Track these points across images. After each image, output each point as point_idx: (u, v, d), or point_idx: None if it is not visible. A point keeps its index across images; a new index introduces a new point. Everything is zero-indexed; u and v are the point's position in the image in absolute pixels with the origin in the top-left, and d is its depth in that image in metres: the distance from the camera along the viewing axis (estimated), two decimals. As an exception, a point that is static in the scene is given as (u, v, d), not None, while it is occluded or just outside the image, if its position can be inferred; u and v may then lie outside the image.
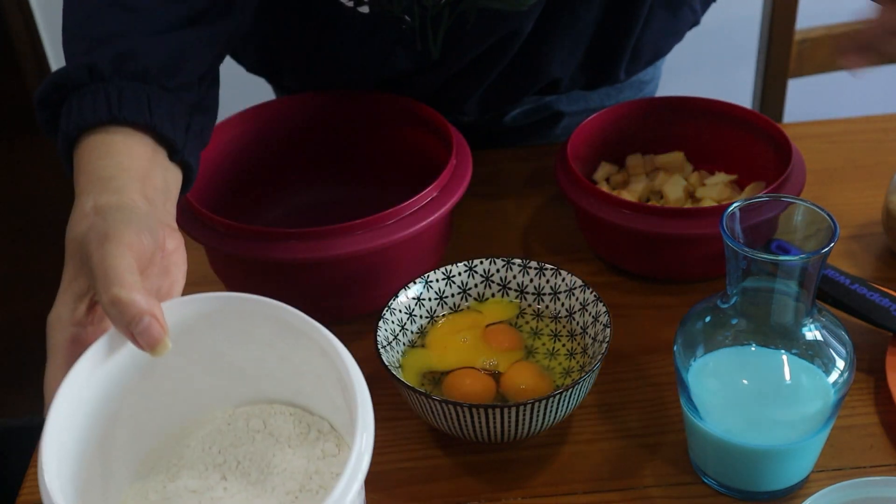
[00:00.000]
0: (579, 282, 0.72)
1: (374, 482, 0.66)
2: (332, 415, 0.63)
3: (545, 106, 1.01)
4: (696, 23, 0.98)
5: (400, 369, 0.70)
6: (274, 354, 0.62)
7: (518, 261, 0.75)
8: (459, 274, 0.75)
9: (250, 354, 0.62)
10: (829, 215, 0.58)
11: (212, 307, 0.59)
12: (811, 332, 0.61)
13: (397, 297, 0.72)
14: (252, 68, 0.99)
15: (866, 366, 0.74)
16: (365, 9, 0.84)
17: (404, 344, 0.72)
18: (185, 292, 0.85)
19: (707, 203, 0.84)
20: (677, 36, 0.97)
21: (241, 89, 1.19)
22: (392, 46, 0.87)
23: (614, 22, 0.91)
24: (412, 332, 0.73)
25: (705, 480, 0.67)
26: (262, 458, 0.61)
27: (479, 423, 0.64)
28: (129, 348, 0.56)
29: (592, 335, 0.71)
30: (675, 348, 0.64)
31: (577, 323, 0.72)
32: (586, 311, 0.72)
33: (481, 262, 0.75)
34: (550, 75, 0.93)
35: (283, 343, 0.60)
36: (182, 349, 0.57)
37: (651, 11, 0.92)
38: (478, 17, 0.84)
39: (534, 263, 0.74)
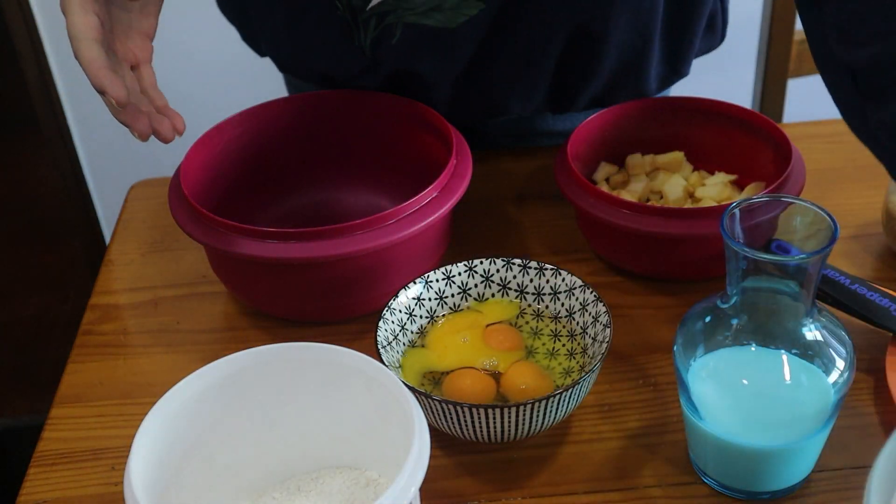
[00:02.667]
0: (579, 282, 0.72)
1: (374, 482, 0.66)
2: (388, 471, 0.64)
3: (526, 120, 1.01)
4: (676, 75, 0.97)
5: (400, 369, 0.70)
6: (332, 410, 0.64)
7: (518, 261, 0.75)
8: (459, 274, 0.75)
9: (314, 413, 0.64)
10: (829, 215, 0.58)
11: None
12: (811, 332, 0.61)
13: (397, 297, 0.72)
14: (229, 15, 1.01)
15: (866, 366, 0.73)
16: None
17: (404, 344, 0.72)
18: (184, 292, 0.86)
19: (707, 203, 0.84)
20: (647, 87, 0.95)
21: (242, 89, 1.19)
22: (326, 33, 0.87)
23: (574, 65, 0.90)
24: (412, 332, 0.73)
25: (705, 480, 0.67)
26: None
27: (479, 423, 0.64)
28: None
29: (592, 335, 0.70)
30: (675, 348, 0.64)
31: (577, 323, 0.72)
32: (586, 311, 0.72)
33: (481, 262, 0.75)
34: (509, 109, 0.93)
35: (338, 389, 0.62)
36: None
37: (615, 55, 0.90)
38: (405, 31, 0.84)
39: (534, 263, 0.74)
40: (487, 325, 0.74)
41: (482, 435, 0.66)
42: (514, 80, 0.90)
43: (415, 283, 0.73)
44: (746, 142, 0.87)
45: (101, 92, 0.68)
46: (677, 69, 0.95)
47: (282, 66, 0.98)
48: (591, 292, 0.71)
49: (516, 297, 0.75)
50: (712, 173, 0.89)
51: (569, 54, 0.88)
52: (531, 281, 0.75)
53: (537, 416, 0.64)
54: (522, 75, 0.89)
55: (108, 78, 0.68)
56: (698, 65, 0.99)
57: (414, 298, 0.73)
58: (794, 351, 0.61)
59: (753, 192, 0.85)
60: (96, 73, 0.68)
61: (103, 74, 0.68)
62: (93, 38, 0.69)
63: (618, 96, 0.93)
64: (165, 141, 0.73)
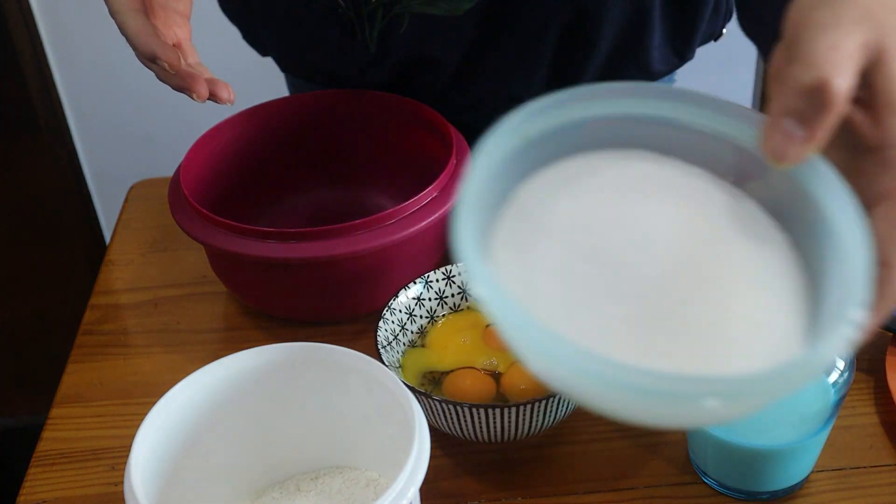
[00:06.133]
0: (579, 282, 0.72)
1: (374, 482, 0.66)
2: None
3: None
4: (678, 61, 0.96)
5: (400, 369, 0.70)
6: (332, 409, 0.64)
7: (518, 261, 0.75)
8: (459, 274, 0.75)
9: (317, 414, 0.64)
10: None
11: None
12: (811, 332, 0.61)
13: (397, 297, 0.72)
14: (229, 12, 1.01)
15: (866, 366, 0.74)
16: None
17: (404, 344, 0.72)
18: (184, 292, 0.86)
19: (707, 203, 0.84)
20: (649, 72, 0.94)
21: (242, 89, 1.19)
22: (329, 31, 0.87)
23: (572, 45, 0.89)
24: (412, 332, 0.73)
25: (705, 480, 0.67)
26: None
27: (479, 423, 0.64)
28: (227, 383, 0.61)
29: (592, 335, 0.70)
30: (675, 348, 0.63)
31: (577, 323, 0.72)
32: (586, 311, 0.71)
33: (481, 262, 0.75)
34: (512, 95, 0.93)
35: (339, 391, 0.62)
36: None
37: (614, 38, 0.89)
38: (413, 20, 0.84)
39: (534, 263, 0.74)
40: (487, 325, 0.74)
41: (482, 435, 0.66)
42: (515, 60, 0.89)
43: (415, 283, 0.73)
44: (746, 142, 0.86)
45: (152, 59, 0.68)
46: (681, 52, 0.94)
47: (285, 67, 0.98)
48: (591, 292, 0.71)
49: (516, 297, 0.75)
50: (712, 173, 0.89)
51: (567, 34, 0.88)
52: (531, 281, 0.75)
53: (537, 416, 0.64)
54: (524, 56, 0.89)
55: (157, 43, 0.68)
56: (698, 65, 0.99)
57: (414, 298, 0.73)
58: (794, 351, 0.61)
59: (753, 192, 0.85)
60: (145, 40, 0.68)
61: (152, 41, 0.68)
62: (135, 9, 0.69)
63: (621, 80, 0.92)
64: (221, 102, 0.73)
